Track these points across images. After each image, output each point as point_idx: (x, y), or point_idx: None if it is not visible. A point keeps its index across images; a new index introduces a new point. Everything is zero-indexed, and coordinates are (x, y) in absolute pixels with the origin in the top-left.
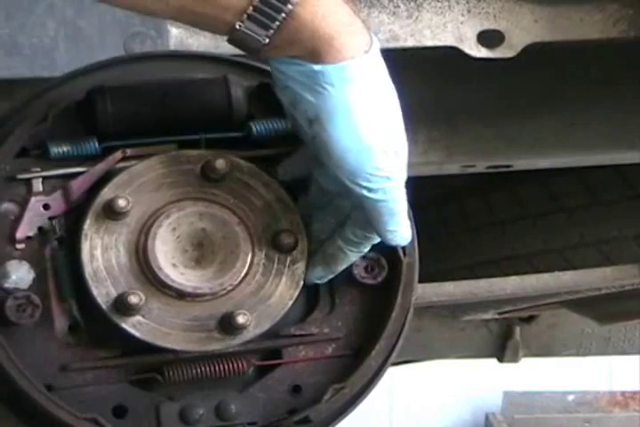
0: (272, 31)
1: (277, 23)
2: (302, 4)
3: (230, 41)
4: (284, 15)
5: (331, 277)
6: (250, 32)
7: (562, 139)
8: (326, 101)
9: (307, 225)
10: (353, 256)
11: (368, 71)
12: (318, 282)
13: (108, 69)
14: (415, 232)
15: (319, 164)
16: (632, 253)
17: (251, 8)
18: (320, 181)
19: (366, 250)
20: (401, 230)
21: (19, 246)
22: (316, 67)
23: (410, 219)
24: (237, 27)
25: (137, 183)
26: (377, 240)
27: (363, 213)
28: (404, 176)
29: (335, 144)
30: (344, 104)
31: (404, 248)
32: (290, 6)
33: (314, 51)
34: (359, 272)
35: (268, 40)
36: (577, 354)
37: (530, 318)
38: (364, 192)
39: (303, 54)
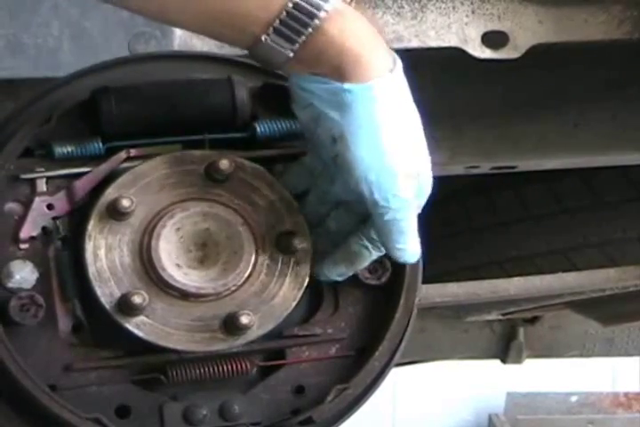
0: (297, 45)
1: (304, 37)
2: (329, 20)
3: (253, 55)
4: (310, 30)
5: (351, 274)
6: (275, 45)
7: (566, 140)
8: (353, 120)
9: (319, 223)
10: (376, 254)
11: (393, 91)
12: (339, 279)
13: (113, 70)
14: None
15: (328, 178)
16: (636, 254)
17: (277, 21)
18: (327, 191)
19: None
20: (410, 249)
21: (22, 246)
22: (345, 85)
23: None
24: (263, 39)
25: (141, 183)
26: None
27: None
28: (422, 196)
29: (359, 163)
30: (370, 123)
31: None
32: (317, 21)
33: (340, 68)
34: (363, 273)
35: (292, 54)
36: (580, 355)
37: (533, 319)
38: (378, 210)
39: (328, 71)
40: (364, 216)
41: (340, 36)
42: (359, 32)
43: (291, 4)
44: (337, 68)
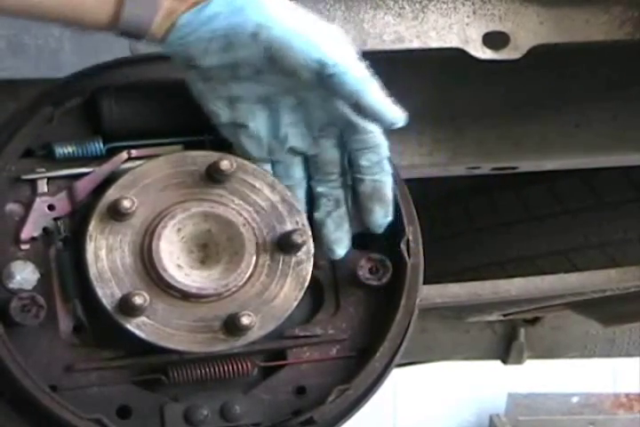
0: None
1: None
2: None
3: (123, 23)
4: None
5: (390, 214)
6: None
7: (567, 140)
8: (253, 15)
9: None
10: (387, 180)
11: None
12: (386, 223)
13: (114, 70)
14: (420, 233)
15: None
16: (637, 254)
17: None
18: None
19: (389, 167)
20: (382, 104)
21: (23, 247)
22: None
23: (412, 211)
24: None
25: (142, 184)
26: (385, 145)
27: (346, 126)
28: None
29: (287, 38)
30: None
31: (408, 249)
32: None
33: None
34: (364, 274)
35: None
36: (581, 356)
37: (534, 320)
38: (326, 70)
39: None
40: (339, 165)
41: None
42: None
43: None
44: None
